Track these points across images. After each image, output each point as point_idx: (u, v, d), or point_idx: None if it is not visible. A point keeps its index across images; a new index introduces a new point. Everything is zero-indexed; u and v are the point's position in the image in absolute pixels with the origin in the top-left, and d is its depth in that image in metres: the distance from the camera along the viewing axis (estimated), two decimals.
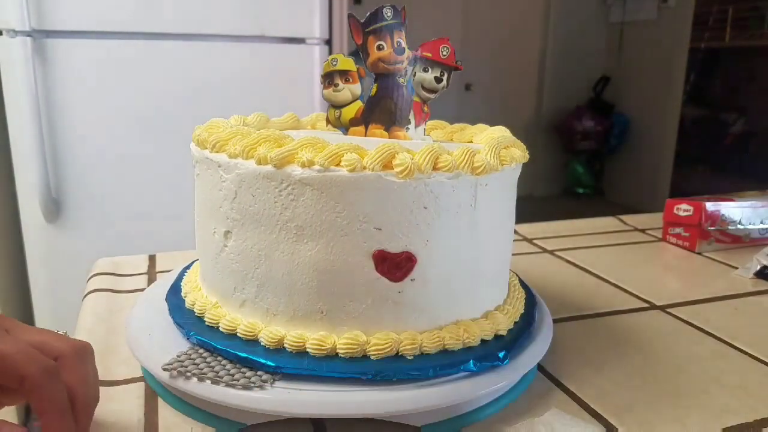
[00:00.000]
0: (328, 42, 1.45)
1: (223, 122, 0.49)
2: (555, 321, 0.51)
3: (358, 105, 0.50)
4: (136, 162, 1.36)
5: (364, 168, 0.38)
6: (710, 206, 0.80)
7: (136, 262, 0.71)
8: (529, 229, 0.89)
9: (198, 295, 0.46)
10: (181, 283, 0.50)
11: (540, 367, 0.48)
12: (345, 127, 0.51)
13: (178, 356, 0.40)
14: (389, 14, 0.45)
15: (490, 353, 0.41)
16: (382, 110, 0.47)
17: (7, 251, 1.40)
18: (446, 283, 0.42)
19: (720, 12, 3.03)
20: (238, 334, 0.41)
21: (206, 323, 0.43)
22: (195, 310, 0.44)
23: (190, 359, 0.40)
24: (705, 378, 0.48)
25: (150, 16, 1.31)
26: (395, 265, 0.40)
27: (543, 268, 0.73)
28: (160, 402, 0.42)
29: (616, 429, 0.40)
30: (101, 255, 0.73)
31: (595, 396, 0.44)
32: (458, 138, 0.54)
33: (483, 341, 0.42)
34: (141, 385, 0.44)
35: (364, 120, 0.49)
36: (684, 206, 0.82)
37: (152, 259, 0.73)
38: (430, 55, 0.49)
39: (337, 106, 0.51)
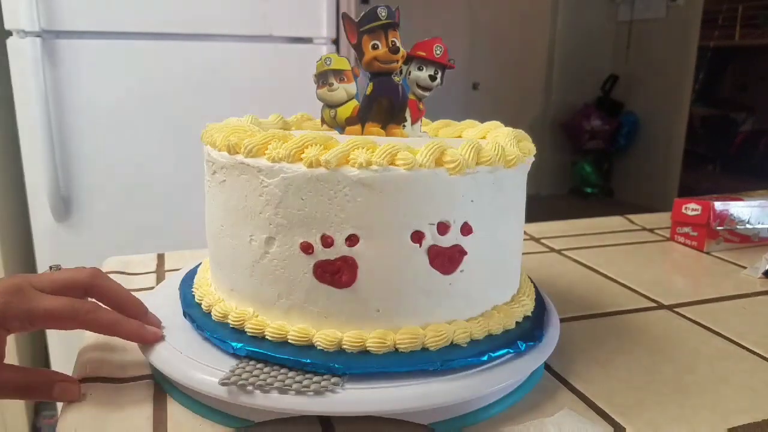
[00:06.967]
0: (336, 41, 1.45)
1: (235, 122, 0.49)
2: (562, 320, 0.51)
3: (354, 104, 0.50)
4: (145, 161, 1.37)
5: (420, 166, 0.39)
6: (719, 206, 0.80)
7: (145, 261, 0.72)
8: (536, 228, 0.89)
9: (226, 306, 0.44)
10: (195, 296, 0.48)
11: (547, 366, 0.48)
12: (341, 127, 0.50)
13: (231, 370, 0.38)
14: (384, 14, 0.45)
15: (523, 335, 0.43)
16: (378, 109, 0.47)
17: (17, 250, 1.41)
18: (487, 272, 0.44)
19: (729, 10, 3.00)
20: (289, 341, 0.40)
21: (248, 333, 0.41)
22: (230, 321, 0.42)
23: (245, 371, 0.38)
24: (713, 377, 0.48)
25: (159, 16, 1.31)
26: (448, 259, 0.41)
27: (550, 267, 0.73)
28: (169, 399, 0.43)
29: (624, 428, 0.40)
30: (110, 254, 0.73)
31: (603, 395, 0.44)
32: (444, 134, 0.56)
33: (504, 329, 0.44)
34: (150, 383, 0.44)
35: (361, 119, 0.48)
36: (692, 206, 0.82)
37: (161, 257, 0.73)
38: (424, 54, 0.49)
39: (332, 105, 0.50)
